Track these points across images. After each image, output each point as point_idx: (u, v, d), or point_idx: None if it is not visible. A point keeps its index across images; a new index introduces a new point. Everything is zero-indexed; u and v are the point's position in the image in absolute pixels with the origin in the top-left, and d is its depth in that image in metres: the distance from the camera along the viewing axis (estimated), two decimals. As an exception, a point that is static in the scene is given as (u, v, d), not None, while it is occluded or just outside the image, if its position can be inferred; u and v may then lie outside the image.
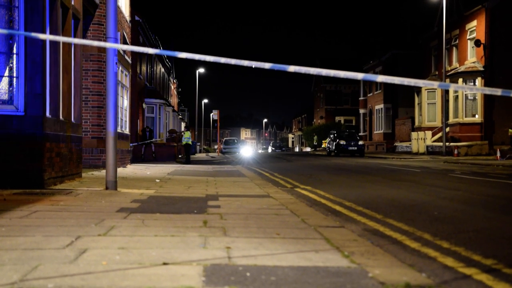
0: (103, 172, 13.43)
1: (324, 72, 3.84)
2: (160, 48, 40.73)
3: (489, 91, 3.59)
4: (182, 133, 29.84)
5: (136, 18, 29.00)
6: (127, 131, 19.29)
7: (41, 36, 7.33)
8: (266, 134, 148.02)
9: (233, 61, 3.99)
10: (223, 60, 4.01)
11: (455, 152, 31.24)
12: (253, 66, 3.97)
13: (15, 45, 8.78)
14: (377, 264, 3.68)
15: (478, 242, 4.96)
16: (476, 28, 35.18)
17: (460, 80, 34.66)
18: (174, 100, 59.46)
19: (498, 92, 3.38)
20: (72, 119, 10.90)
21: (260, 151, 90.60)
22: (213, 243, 4.25)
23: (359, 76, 3.83)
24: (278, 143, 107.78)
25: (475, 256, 4.33)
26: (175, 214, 5.96)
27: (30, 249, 3.92)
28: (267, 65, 3.93)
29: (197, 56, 4.07)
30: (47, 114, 9.19)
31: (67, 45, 10.49)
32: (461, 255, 4.38)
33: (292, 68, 3.86)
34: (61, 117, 10.04)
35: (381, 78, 3.92)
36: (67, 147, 10.23)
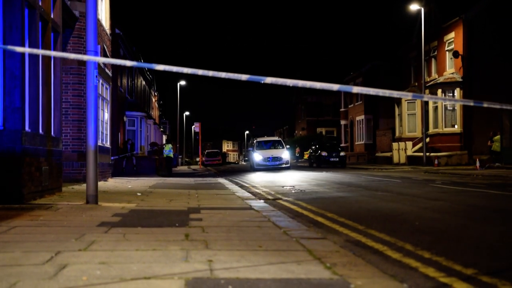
0: (84, 186, 13.28)
1: (300, 83, 3.86)
2: (141, 61, 40.61)
3: (462, 102, 3.66)
4: (163, 146, 29.73)
5: (117, 31, 28.91)
6: (108, 144, 19.16)
7: (18, 49, 7.27)
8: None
9: (210, 73, 4.00)
10: (200, 72, 4.02)
11: (436, 162, 31.51)
12: (224, 77, 3.97)
13: (-7, 59, 8.69)
14: (359, 275, 3.69)
15: (459, 252, 5.00)
16: (454, 39, 35.67)
17: (439, 91, 35.04)
18: (155, 112, 59.25)
19: (470, 103, 3.44)
20: (52, 133, 10.80)
21: (242, 162, 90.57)
22: (195, 257, 4.23)
23: (335, 87, 3.86)
24: None
25: (456, 265, 4.36)
26: (156, 228, 5.93)
27: (9, 265, 3.87)
28: (244, 77, 3.94)
29: (174, 68, 4.07)
30: (27, 128, 9.10)
31: (46, 58, 10.42)
32: (442, 264, 4.41)
33: (269, 80, 3.88)
34: (40, 131, 9.94)
35: (356, 89, 3.96)
36: (47, 161, 10.12)
